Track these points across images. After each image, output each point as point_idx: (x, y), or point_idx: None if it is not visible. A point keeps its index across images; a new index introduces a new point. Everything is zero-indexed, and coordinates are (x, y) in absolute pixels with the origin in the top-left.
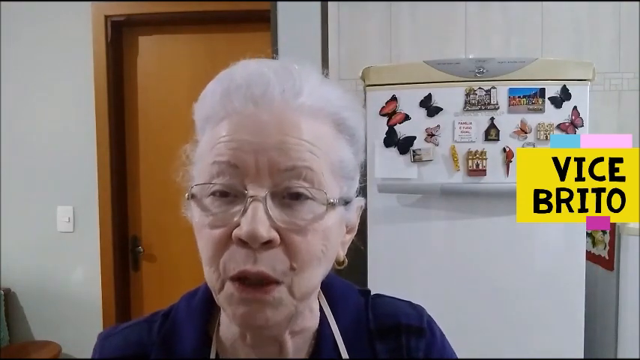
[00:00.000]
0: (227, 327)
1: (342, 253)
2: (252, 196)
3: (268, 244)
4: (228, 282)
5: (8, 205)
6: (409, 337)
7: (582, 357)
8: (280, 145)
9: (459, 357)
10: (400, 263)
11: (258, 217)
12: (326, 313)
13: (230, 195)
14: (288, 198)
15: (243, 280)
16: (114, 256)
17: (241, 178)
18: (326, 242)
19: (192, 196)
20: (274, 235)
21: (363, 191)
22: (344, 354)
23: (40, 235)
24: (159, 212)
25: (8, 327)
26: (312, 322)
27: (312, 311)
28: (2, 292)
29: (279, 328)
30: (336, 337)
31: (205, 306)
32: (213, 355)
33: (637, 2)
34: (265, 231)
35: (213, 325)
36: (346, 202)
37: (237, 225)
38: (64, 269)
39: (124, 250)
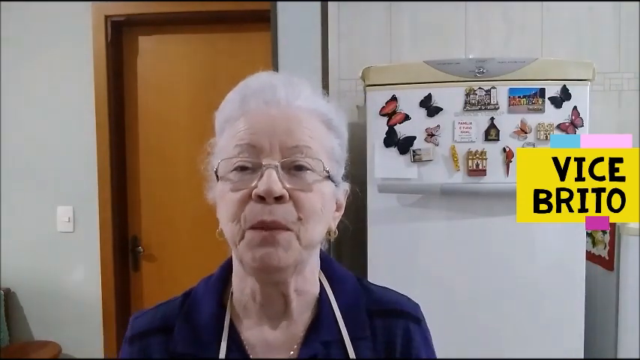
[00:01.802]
0: (239, 291)
1: (333, 226)
2: (266, 165)
3: (280, 199)
4: (249, 230)
5: (8, 205)
6: (408, 321)
7: (582, 357)
8: (287, 131)
9: (458, 356)
10: (400, 263)
11: (273, 178)
12: (325, 288)
13: (249, 169)
14: (294, 169)
15: (261, 228)
16: (114, 256)
17: (258, 155)
18: (323, 202)
19: (218, 174)
20: (284, 192)
21: (363, 188)
22: (340, 320)
23: (40, 235)
24: (159, 212)
25: (8, 327)
26: (313, 287)
27: (313, 277)
28: (2, 292)
29: (287, 273)
30: (333, 306)
31: (220, 284)
32: (227, 319)
33: (637, 2)
34: (278, 188)
35: (226, 298)
36: (336, 182)
37: (256, 187)
38: (64, 269)
39: (124, 250)
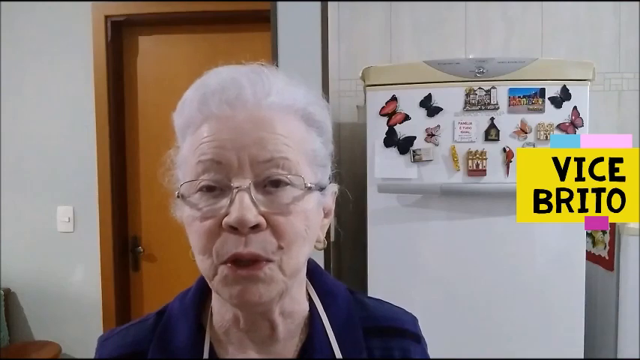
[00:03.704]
0: (220, 316)
1: (321, 236)
2: (237, 187)
3: (256, 228)
4: (222, 266)
5: (8, 205)
6: (408, 341)
7: (582, 357)
8: (258, 141)
9: (458, 356)
10: (400, 263)
11: (245, 205)
12: (316, 304)
13: (216, 189)
14: (270, 186)
15: (237, 262)
16: (114, 256)
17: (225, 173)
18: (307, 222)
19: (181, 196)
20: (261, 219)
21: (363, 188)
22: (333, 341)
23: (40, 235)
24: (159, 212)
25: (8, 327)
26: (301, 306)
27: (301, 295)
28: (2, 292)
29: (271, 304)
30: (325, 325)
31: (198, 300)
32: (207, 344)
33: (637, 2)
34: (252, 216)
35: (206, 317)
36: (321, 188)
37: (226, 214)
38: (64, 269)
39: (124, 250)
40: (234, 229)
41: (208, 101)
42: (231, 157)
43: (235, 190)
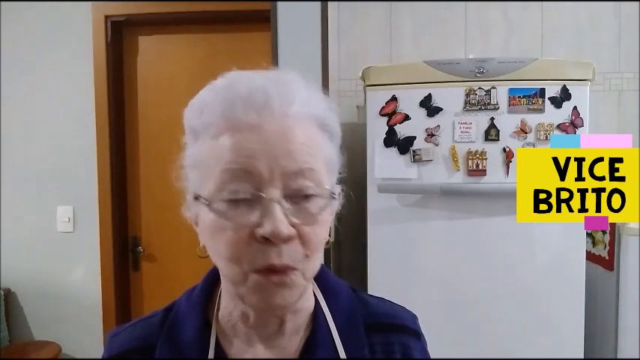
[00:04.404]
0: (227, 311)
1: (328, 236)
2: (270, 199)
3: (289, 239)
4: (253, 274)
5: (8, 205)
6: (407, 336)
7: (582, 357)
8: (287, 153)
9: (458, 356)
10: (400, 263)
11: (279, 217)
12: (319, 301)
13: (245, 199)
14: (300, 198)
15: (269, 271)
16: (114, 256)
17: (255, 183)
18: (327, 229)
19: (203, 200)
20: (293, 231)
21: (363, 188)
22: (336, 337)
23: (40, 235)
24: (159, 212)
25: (8, 327)
26: (308, 303)
27: (309, 292)
28: (2, 292)
29: (291, 307)
30: (328, 321)
31: (205, 296)
32: (213, 338)
33: (637, 2)
34: (286, 229)
35: (212, 312)
36: (335, 195)
37: (258, 225)
38: (64, 269)
39: (124, 250)
40: (266, 239)
41: (234, 107)
42: (262, 168)
43: (268, 202)
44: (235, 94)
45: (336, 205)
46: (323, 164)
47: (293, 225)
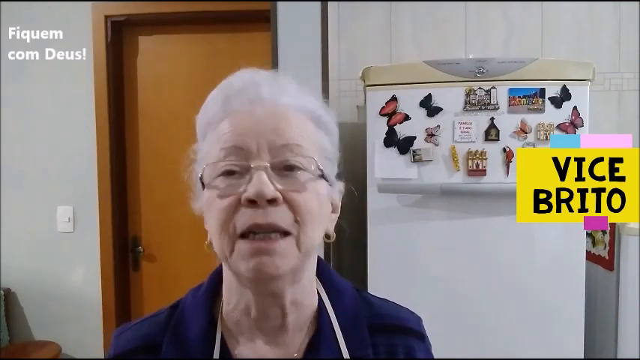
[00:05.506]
0: (231, 305)
1: (330, 229)
2: (255, 167)
3: (273, 202)
4: (239, 240)
5: (8, 205)
6: (412, 339)
7: (582, 357)
8: (274, 129)
9: (458, 356)
10: (400, 263)
11: (263, 180)
12: (324, 300)
13: (236, 173)
14: (285, 169)
15: (254, 233)
16: (114, 256)
17: (245, 157)
18: (320, 204)
19: (204, 182)
20: (277, 194)
21: (363, 188)
22: (340, 336)
23: (40, 235)
24: (159, 212)
25: (8, 327)
26: (311, 299)
27: (311, 288)
28: (2, 292)
29: (285, 281)
30: (332, 321)
31: (210, 294)
32: (218, 334)
33: (637, 2)
34: (270, 190)
35: (217, 310)
36: (330, 181)
37: (245, 191)
38: (64, 269)
39: (124, 250)
40: (252, 202)
41: (231, 99)
42: (251, 143)
43: (254, 170)
44: (231, 88)
45: (333, 192)
46: (313, 146)
47: (279, 191)
